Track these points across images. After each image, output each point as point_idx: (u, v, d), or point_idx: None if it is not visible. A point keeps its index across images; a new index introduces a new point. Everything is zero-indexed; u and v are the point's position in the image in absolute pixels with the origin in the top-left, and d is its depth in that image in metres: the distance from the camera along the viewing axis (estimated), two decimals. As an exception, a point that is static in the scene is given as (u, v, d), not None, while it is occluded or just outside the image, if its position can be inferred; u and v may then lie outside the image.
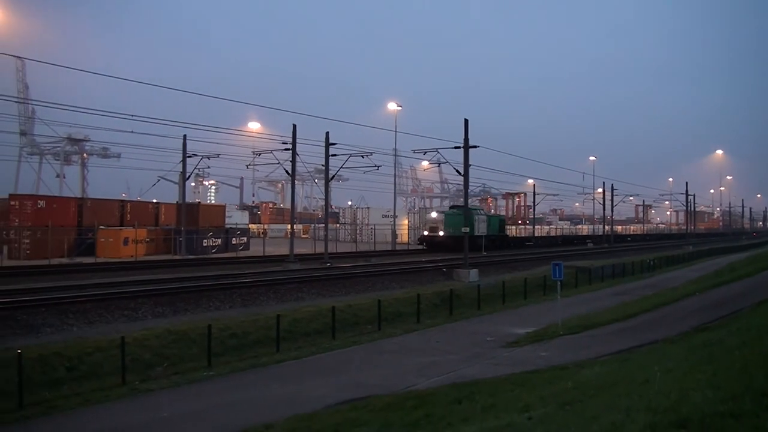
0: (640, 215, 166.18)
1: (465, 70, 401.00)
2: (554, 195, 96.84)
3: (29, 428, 12.75)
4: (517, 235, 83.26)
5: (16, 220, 41.14)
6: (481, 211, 69.63)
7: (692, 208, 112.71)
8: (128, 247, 43.53)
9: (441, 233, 61.09)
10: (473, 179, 56.13)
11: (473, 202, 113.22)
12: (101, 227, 44.28)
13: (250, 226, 74.01)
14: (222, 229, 55.62)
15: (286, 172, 44.50)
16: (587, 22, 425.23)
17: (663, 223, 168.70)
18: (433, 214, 63.58)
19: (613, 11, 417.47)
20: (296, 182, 49.02)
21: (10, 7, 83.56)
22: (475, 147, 38.99)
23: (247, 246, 56.31)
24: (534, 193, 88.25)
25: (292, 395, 14.27)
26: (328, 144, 44.23)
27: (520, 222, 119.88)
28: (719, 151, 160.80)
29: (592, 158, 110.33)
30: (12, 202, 42.50)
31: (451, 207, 69.91)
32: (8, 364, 14.93)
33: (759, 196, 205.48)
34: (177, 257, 44.82)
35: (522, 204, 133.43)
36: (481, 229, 62.18)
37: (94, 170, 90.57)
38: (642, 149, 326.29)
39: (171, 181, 51.05)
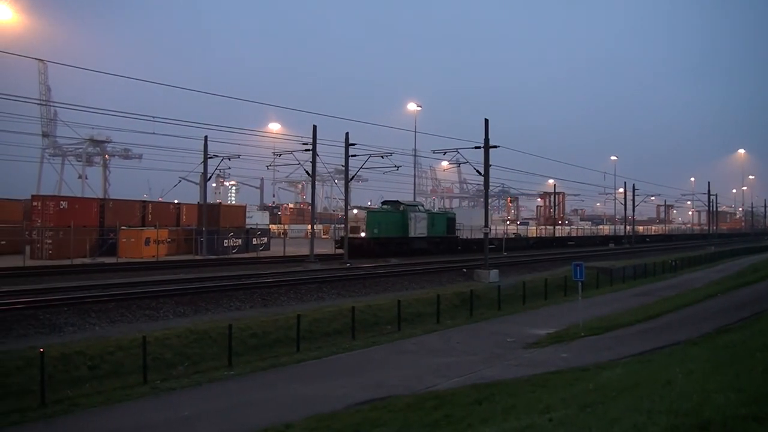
0: (662, 215, 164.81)
1: (485, 70, 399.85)
2: (575, 195, 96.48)
3: (52, 426, 12.89)
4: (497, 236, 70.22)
5: (39, 221, 41.56)
6: (421, 208, 58.59)
7: (714, 208, 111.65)
8: (150, 248, 43.80)
9: (362, 234, 49.05)
10: (493, 179, 55.73)
11: (492, 202, 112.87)
12: (123, 228, 44.59)
13: (270, 226, 74.23)
14: (242, 229, 55.82)
15: (307, 172, 44.64)
16: (611, 19, 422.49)
17: (685, 224, 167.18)
18: (354, 211, 51.06)
19: (638, 8, 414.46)
20: (316, 183, 49.10)
21: (32, 10, 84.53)
22: (495, 147, 38.81)
23: (267, 246, 56.47)
24: (554, 193, 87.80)
25: (312, 395, 14.30)
26: (347, 144, 44.29)
27: (560, 222, 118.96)
28: (741, 150, 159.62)
29: (613, 158, 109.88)
30: (34, 203, 42.94)
31: (383, 203, 58.52)
32: (31, 363, 15.14)
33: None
34: (198, 257, 45.04)
35: (560, 203, 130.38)
36: (418, 229, 53.56)
37: (116, 171, 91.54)
38: (663, 149, 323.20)
39: (192, 181, 51.35)
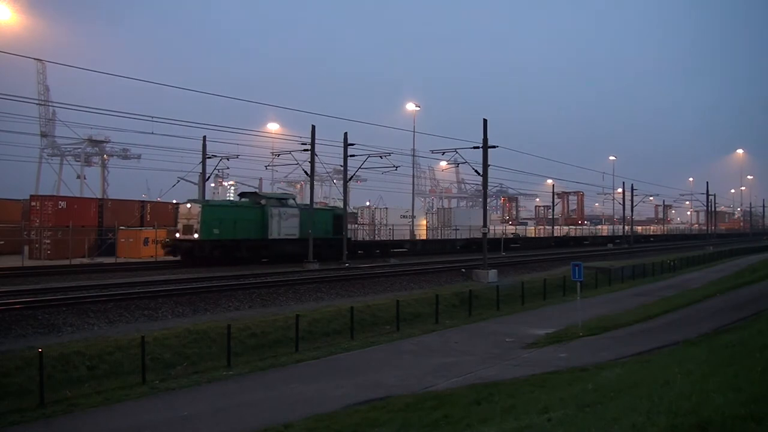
0: (660, 215, 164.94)
1: (484, 70, 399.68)
2: (573, 194, 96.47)
3: (51, 426, 12.88)
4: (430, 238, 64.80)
5: (37, 221, 41.58)
6: (292, 202, 46.34)
7: (713, 208, 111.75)
8: (148, 248, 43.79)
9: (196, 236, 38.49)
10: (491, 179, 55.70)
11: (491, 201, 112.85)
12: (121, 228, 44.62)
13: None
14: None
15: (305, 172, 44.60)
16: (610, 19, 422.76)
17: (683, 224, 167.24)
18: (187, 205, 39.99)
19: (637, 7, 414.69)
20: (315, 183, 48.99)
21: (30, 10, 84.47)
22: (494, 147, 38.87)
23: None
24: (553, 193, 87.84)
25: (312, 395, 14.31)
26: (346, 144, 44.34)
27: (579, 222, 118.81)
28: (740, 151, 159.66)
29: (612, 158, 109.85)
30: (33, 203, 42.96)
31: (240, 195, 48.20)
32: (30, 363, 15.14)
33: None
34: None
35: (580, 202, 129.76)
36: (285, 229, 43.45)
37: (115, 171, 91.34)
38: (662, 148, 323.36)
39: (191, 182, 51.25)
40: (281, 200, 45.37)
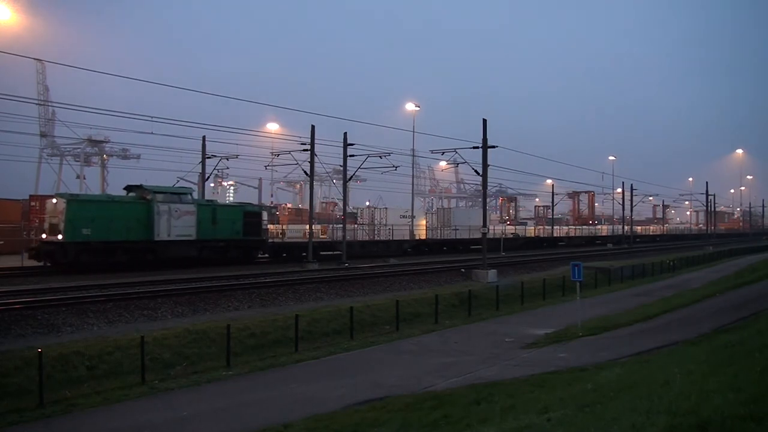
0: (659, 215, 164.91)
1: (484, 70, 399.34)
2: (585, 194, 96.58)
3: (50, 426, 12.87)
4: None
5: (37, 221, 41.53)
6: (188, 198, 38.83)
7: (712, 208, 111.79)
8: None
9: (60, 237, 32.39)
10: (491, 179, 55.64)
11: (490, 201, 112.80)
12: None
13: (269, 226, 74.14)
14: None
15: (305, 172, 44.61)
16: (608, 20, 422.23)
17: (683, 224, 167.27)
18: (53, 201, 34.35)
19: (636, 9, 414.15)
20: (315, 183, 48.97)
21: (30, 10, 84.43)
22: (493, 147, 38.90)
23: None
24: (552, 193, 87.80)
25: (311, 395, 14.30)
26: (346, 144, 44.33)
27: (592, 222, 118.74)
28: (739, 150, 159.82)
29: (611, 158, 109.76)
30: (33, 203, 42.89)
31: (126, 188, 38.83)
32: (29, 363, 15.14)
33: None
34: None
35: (590, 202, 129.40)
36: (177, 229, 36.80)
37: (114, 171, 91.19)
38: (661, 149, 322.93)
39: (190, 182, 51.17)
40: (174, 195, 37.95)
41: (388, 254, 51.56)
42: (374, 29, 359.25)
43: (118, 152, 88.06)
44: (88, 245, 33.01)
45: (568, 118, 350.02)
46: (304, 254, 43.24)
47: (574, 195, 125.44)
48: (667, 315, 25.68)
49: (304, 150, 43.34)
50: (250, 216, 42.46)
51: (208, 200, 41.17)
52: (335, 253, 46.74)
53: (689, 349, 14.94)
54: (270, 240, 46.93)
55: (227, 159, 50.35)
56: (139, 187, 37.87)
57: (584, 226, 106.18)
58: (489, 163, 39.42)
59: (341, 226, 47.78)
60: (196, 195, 43.66)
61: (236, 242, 41.12)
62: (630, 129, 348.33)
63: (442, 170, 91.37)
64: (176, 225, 36.69)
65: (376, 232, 62.54)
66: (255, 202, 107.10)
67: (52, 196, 34.43)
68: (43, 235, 33.90)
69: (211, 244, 39.17)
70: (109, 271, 32.40)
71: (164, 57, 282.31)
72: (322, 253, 46.55)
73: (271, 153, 50.46)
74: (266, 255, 45.57)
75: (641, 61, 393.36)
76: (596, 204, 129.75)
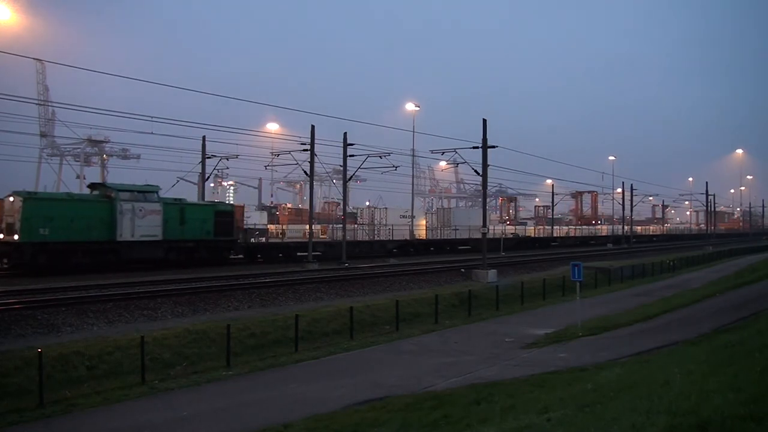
0: (659, 215, 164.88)
1: (484, 70, 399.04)
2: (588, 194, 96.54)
3: (50, 426, 12.88)
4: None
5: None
6: (154, 196, 36.92)
7: (712, 208, 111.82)
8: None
9: (15, 237, 31.16)
10: (491, 179, 55.61)
11: (490, 202, 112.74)
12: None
13: (268, 226, 74.29)
14: (241, 229, 55.70)
15: (305, 172, 44.62)
16: (608, 20, 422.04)
17: (683, 224, 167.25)
18: (10, 199, 32.28)
19: (636, 9, 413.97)
20: (315, 183, 48.96)
21: (30, 10, 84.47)
22: (493, 147, 38.92)
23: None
24: (552, 193, 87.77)
25: (311, 395, 14.31)
26: (346, 144, 44.33)
27: (594, 222, 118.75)
28: (739, 150, 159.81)
29: (611, 158, 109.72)
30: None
31: (90, 186, 38.85)
32: (29, 363, 15.14)
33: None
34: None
35: (594, 202, 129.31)
36: (141, 229, 35.21)
37: (114, 171, 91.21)
38: (661, 149, 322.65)
39: (190, 182, 51.21)
40: (139, 193, 36.19)
41: (385, 254, 51.36)
42: (374, 29, 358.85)
43: (118, 152, 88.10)
44: (46, 246, 31.64)
45: (568, 118, 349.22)
46: (281, 254, 43.38)
47: (577, 195, 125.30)
48: (667, 315, 25.68)
49: (304, 150, 43.34)
50: (221, 215, 40.92)
51: (175, 198, 39.55)
52: (315, 253, 43.44)
53: (689, 349, 14.94)
54: (270, 240, 46.80)
55: (227, 159, 50.45)
56: (102, 185, 37.20)
57: (586, 227, 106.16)
58: (489, 163, 39.47)
59: (341, 226, 47.75)
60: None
61: (206, 243, 39.60)
62: (630, 129, 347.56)
63: (442, 170, 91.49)
64: (141, 225, 35.21)
65: (376, 232, 62.41)
66: (255, 202, 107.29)
67: (9, 195, 32.64)
68: (1, 235, 32.32)
69: (178, 244, 37.75)
70: (69, 274, 31.09)
71: (164, 57, 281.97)
72: (299, 254, 45.02)
73: (271, 153, 50.52)
74: (240, 256, 43.76)
75: (641, 61, 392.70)
76: (598, 204, 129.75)
